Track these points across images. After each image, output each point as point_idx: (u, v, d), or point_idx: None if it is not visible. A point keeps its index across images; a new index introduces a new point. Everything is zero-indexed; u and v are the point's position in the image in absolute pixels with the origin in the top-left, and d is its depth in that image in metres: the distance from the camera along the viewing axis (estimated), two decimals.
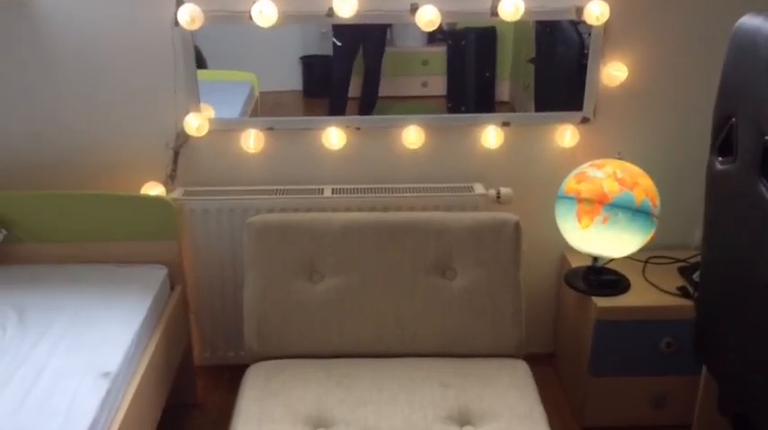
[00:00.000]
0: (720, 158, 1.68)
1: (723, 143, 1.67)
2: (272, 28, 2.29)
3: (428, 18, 2.28)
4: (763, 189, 1.49)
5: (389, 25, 2.52)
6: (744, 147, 1.57)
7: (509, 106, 2.61)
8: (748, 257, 1.58)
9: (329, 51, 2.54)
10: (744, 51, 1.52)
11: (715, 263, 1.79)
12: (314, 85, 2.61)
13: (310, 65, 2.59)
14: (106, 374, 1.78)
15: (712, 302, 1.83)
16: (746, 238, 1.59)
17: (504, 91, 2.62)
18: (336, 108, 2.59)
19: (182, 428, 2.43)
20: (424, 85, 2.64)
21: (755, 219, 1.53)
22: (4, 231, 2.26)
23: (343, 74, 2.60)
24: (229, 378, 2.58)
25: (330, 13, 2.29)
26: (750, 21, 1.50)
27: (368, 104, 2.60)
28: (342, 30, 2.47)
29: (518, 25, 2.50)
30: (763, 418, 1.60)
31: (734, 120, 1.60)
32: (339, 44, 2.53)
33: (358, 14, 2.29)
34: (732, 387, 1.79)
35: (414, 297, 2.13)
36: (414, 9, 2.29)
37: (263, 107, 2.57)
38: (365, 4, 2.29)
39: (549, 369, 2.69)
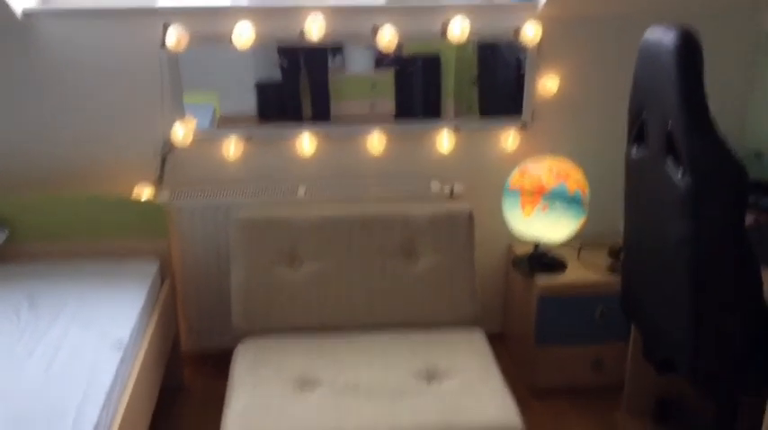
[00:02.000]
0: (635, 147, 2.06)
1: (637, 134, 2.04)
2: (232, 54, 2.52)
3: (387, 38, 2.59)
4: (668, 168, 1.85)
5: (338, 51, 2.73)
6: (652, 135, 1.94)
7: (454, 125, 2.82)
8: (660, 226, 1.95)
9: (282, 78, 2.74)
10: (649, 57, 1.90)
11: (634, 235, 2.16)
12: (268, 109, 2.78)
13: (264, 91, 2.76)
14: (119, 346, 2.02)
15: (633, 268, 2.19)
16: (658, 210, 1.95)
17: (449, 112, 2.86)
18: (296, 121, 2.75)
19: (171, 410, 2.64)
20: (372, 107, 2.83)
21: (663, 193, 1.90)
22: (7, 231, 2.47)
23: (294, 94, 2.78)
24: (213, 363, 2.81)
25: (302, 35, 2.59)
26: (653, 33, 1.87)
27: (321, 114, 2.77)
28: (285, 52, 2.69)
29: (460, 52, 2.78)
30: (680, 358, 1.95)
31: (644, 114, 1.97)
32: (284, 66, 2.73)
33: (326, 36, 2.60)
34: (654, 336, 2.15)
35: (383, 277, 2.43)
36: (375, 30, 2.62)
37: (223, 128, 2.73)
38: (332, 27, 2.60)
39: (500, 345, 2.98)
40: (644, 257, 2.11)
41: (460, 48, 2.77)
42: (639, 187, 2.08)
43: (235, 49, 2.54)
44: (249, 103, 2.77)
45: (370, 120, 2.78)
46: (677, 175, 1.80)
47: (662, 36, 1.82)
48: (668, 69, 1.78)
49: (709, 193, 1.76)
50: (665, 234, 1.91)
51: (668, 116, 1.82)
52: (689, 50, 1.74)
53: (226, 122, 2.78)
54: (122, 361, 1.99)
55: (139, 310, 2.23)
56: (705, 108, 1.74)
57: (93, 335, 2.05)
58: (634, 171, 2.10)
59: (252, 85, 2.75)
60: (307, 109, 2.79)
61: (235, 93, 2.79)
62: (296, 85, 2.78)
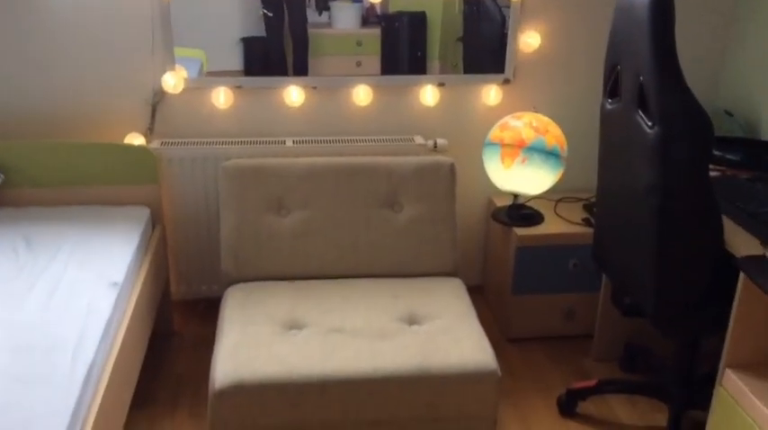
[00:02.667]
0: (609, 100, 2.15)
1: (611, 87, 2.13)
2: (218, 9, 2.53)
3: None
4: (639, 119, 1.95)
5: (326, 7, 2.75)
6: (626, 88, 2.03)
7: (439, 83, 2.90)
8: (631, 175, 2.05)
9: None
10: (624, 12, 1.98)
11: (607, 185, 2.26)
12: (253, 64, 2.81)
13: (250, 46, 2.78)
14: (114, 283, 2.10)
15: (605, 217, 2.30)
16: (629, 160, 2.05)
17: (434, 70, 2.91)
18: (280, 70, 2.79)
19: (163, 353, 2.73)
20: (358, 64, 2.86)
21: (634, 143, 1.99)
22: (2, 176, 2.53)
23: (278, 45, 2.80)
24: (203, 309, 2.91)
25: None
26: None
27: (300, 70, 2.81)
28: (269, 2, 2.71)
29: (446, 9, 2.82)
30: (645, 301, 2.07)
31: (619, 67, 2.06)
32: (270, 14, 2.75)
33: None
34: (621, 282, 2.27)
35: (368, 227, 2.51)
36: None
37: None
38: None
39: (479, 297, 3.13)
40: (615, 206, 2.21)
41: (447, 4, 2.82)
42: (612, 138, 2.18)
43: (220, 3, 2.55)
44: (235, 58, 2.79)
45: (357, 77, 2.83)
46: (647, 125, 1.90)
47: None
48: (641, 24, 1.87)
49: (677, 143, 1.86)
50: (635, 183, 2.02)
51: (641, 69, 1.91)
52: (662, 5, 1.83)
53: (213, 77, 2.81)
54: (118, 299, 2.07)
55: (133, 253, 2.31)
56: (676, 62, 1.84)
57: (90, 274, 2.13)
58: (607, 123, 2.19)
59: (238, 40, 2.78)
60: (290, 64, 2.82)
61: (221, 47, 2.81)
62: (279, 38, 2.80)
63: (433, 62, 2.91)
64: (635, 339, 2.70)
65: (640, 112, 1.95)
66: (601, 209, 2.33)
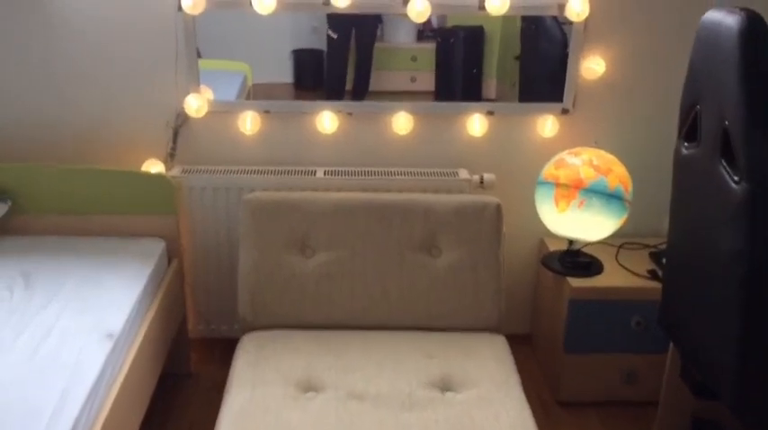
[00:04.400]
0: (686, 143, 1.82)
1: (689, 129, 1.81)
2: (266, 20, 2.38)
3: (418, 9, 2.40)
4: (722, 171, 1.63)
5: (380, 20, 2.62)
6: (706, 132, 1.71)
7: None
8: (710, 235, 1.72)
9: (320, 45, 2.64)
10: (708, 44, 1.66)
11: (680, 242, 1.93)
12: (305, 77, 2.71)
13: (301, 58, 2.68)
14: (110, 335, 1.89)
15: (676, 279, 1.97)
16: (708, 218, 1.73)
17: (490, 88, 2.72)
18: (335, 99, 2.68)
19: (176, 396, 2.54)
20: (413, 80, 2.73)
21: (715, 198, 1.67)
22: (9, 202, 2.36)
23: (339, 66, 2.69)
24: (222, 350, 2.68)
25: (326, 2, 2.40)
26: (713, 16, 1.64)
27: (359, 93, 2.70)
28: (336, 21, 2.58)
29: (505, 24, 2.61)
30: (723, 384, 1.74)
31: (698, 107, 1.74)
32: (334, 36, 2.63)
33: (353, 4, 2.40)
34: (694, 357, 1.93)
35: (401, 273, 2.24)
36: (406, 0, 2.42)
37: (255, 97, 2.66)
38: None
39: (526, 348, 2.82)
40: (689, 268, 1.89)
41: (507, 20, 2.59)
42: (688, 189, 1.85)
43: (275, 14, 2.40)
44: (286, 70, 2.68)
45: (409, 95, 2.68)
46: (733, 180, 1.59)
47: (723, 18, 1.59)
48: (728, 57, 1.55)
49: None
50: (716, 244, 1.69)
51: (726, 111, 1.59)
52: (755, 37, 1.51)
53: (258, 91, 2.67)
54: (113, 352, 1.86)
55: (138, 296, 2.10)
56: None
57: (86, 323, 1.92)
58: (683, 170, 1.87)
59: (288, 53, 2.66)
60: (350, 80, 2.70)
61: (269, 60, 2.71)
62: (342, 59, 2.69)
63: (490, 80, 2.72)
64: (706, 412, 2.35)
65: (724, 163, 1.62)
66: (671, 268, 2.00)
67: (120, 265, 2.23)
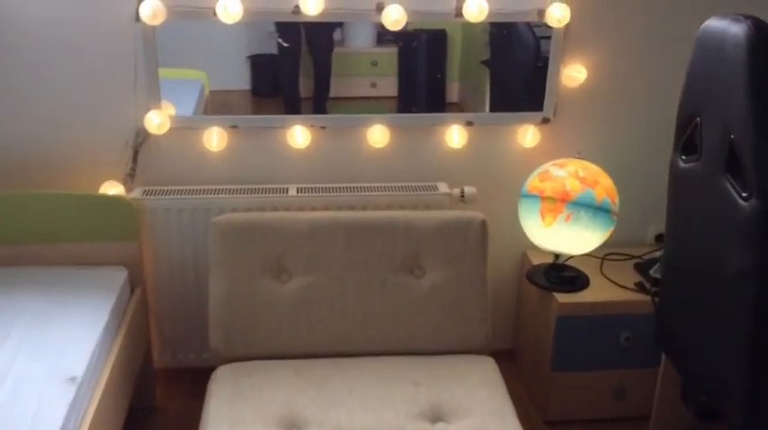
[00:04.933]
0: (684, 156, 1.75)
1: (686, 141, 1.73)
2: (221, 26, 2.26)
3: (394, 18, 2.28)
4: (728, 186, 1.55)
5: (339, 24, 2.52)
6: (709, 145, 1.63)
7: (458, 107, 2.64)
8: (713, 254, 1.65)
9: (276, 50, 2.54)
10: (710, 53, 1.58)
11: (679, 258, 1.85)
12: (262, 84, 2.60)
13: (258, 64, 2.57)
14: (72, 379, 1.72)
15: (675, 296, 1.89)
16: (711, 233, 1.65)
17: (453, 92, 2.64)
18: (291, 107, 2.58)
19: None
20: (374, 85, 2.64)
21: (720, 215, 1.59)
22: None
23: (291, 73, 2.59)
24: (190, 381, 2.53)
25: (296, 10, 2.27)
26: (716, 24, 1.56)
27: (320, 101, 2.59)
28: (286, 28, 2.46)
29: (468, 28, 2.53)
30: (732, 409, 1.66)
31: (699, 119, 1.66)
32: (285, 45, 2.52)
33: (324, 12, 2.28)
34: (696, 378, 1.86)
35: (383, 295, 2.14)
36: (380, 8, 2.30)
37: (213, 106, 2.55)
38: (331, 3, 2.29)
39: (509, 364, 2.72)
40: (688, 286, 1.81)
41: (467, 23, 2.46)
42: (687, 204, 1.78)
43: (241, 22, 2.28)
44: (243, 76, 2.57)
45: (371, 101, 2.60)
46: (740, 196, 1.51)
47: (728, 27, 1.51)
48: (735, 67, 1.48)
49: None
50: (721, 264, 1.61)
51: (732, 125, 1.51)
52: (764, 46, 1.43)
53: (216, 98, 2.55)
54: (76, 399, 1.69)
55: (100, 334, 1.93)
56: None
57: (44, 367, 1.75)
58: (681, 184, 1.79)
59: (244, 59, 2.55)
60: (306, 88, 2.57)
61: (226, 67, 2.58)
62: (294, 66, 2.56)
63: (452, 83, 2.65)
64: (698, 426, 2.28)
65: (730, 178, 1.55)
66: (668, 285, 1.92)
67: (80, 299, 2.06)
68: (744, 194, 1.50)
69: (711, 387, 1.75)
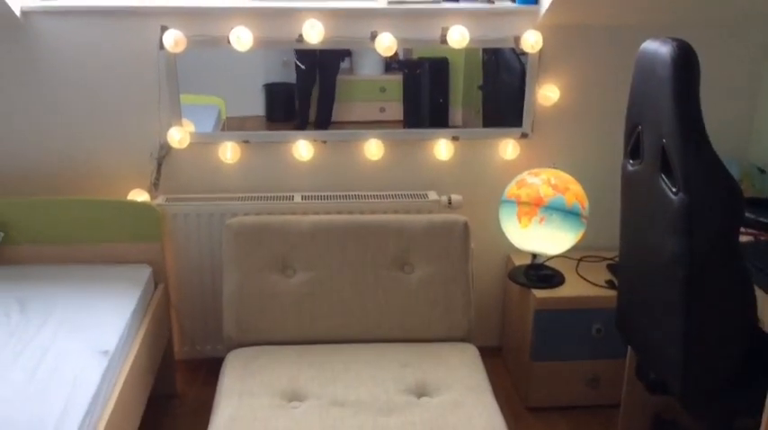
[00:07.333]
0: (631, 161, 2.01)
1: (633, 148, 2.00)
2: (239, 56, 2.52)
3: (386, 44, 2.57)
4: (662, 184, 1.81)
5: (347, 54, 2.75)
6: (647, 150, 1.89)
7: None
8: (654, 242, 1.90)
9: (290, 79, 2.74)
10: (645, 71, 1.85)
11: (629, 251, 2.11)
12: (276, 110, 2.80)
13: (272, 92, 2.77)
14: (105, 352, 2.00)
15: (629, 285, 2.14)
16: (652, 226, 1.91)
17: (457, 116, 2.84)
18: (301, 124, 2.79)
19: (163, 417, 2.62)
20: (382, 110, 2.82)
21: (657, 209, 1.85)
22: (2, 234, 2.46)
23: (304, 96, 2.79)
24: (207, 371, 2.79)
25: (300, 39, 2.57)
26: (649, 45, 1.83)
27: (322, 124, 2.79)
28: (304, 54, 2.69)
29: (468, 56, 2.76)
30: (672, 380, 1.90)
31: (640, 127, 1.93)
32: (303, 67, 2.74)
33: (324, 41, 2.58)
34: (647, 355, 2.10)
35: (376, 289, 2.38)
36: (373, 36, 2.60)
37: (230, 130, 2.75)
38: (331, 32, 2.58)
39: (497, 360, 2.97)
40: (638, 274, 2.06)
41: (470, 51, 2.74)
42: (634, 202, 2.04)
43: (251, 51, 2.54)
44: (258, 103, 2.76)
45: (380, 124, 2.78)
46: (671, 191, 1.76)
47: (658, 48, 1.78)
48: (663, 83, 1.74)
49: (703, 211, 1.71)
50: (660, 250, 1.87)
51: (663, 131, 1.78)
52: (685, 64, 1.70)
53: (232, 124, 2.77)
54: (108, 369, 1.97)
55: (129, 317, 2.21)
56: (700, 124, 1.70)
57: (80, 343, 2.03)
58: (629, 185, 2.06)
59: (260, 87, 2.75)
60: (313, 111, 2.78)
61: (242, 94, 2.79)
62: (309, 86, 2.78)
63: (456, 109, 2.85)
64: (665, 412, 2.51)
65: (663, 176, 1.81)
66: (624, 275, 2.17)
67: (111, 290, 2.33)
68: (674, 190, 1.75)
69: (657, 362, 2.00)
